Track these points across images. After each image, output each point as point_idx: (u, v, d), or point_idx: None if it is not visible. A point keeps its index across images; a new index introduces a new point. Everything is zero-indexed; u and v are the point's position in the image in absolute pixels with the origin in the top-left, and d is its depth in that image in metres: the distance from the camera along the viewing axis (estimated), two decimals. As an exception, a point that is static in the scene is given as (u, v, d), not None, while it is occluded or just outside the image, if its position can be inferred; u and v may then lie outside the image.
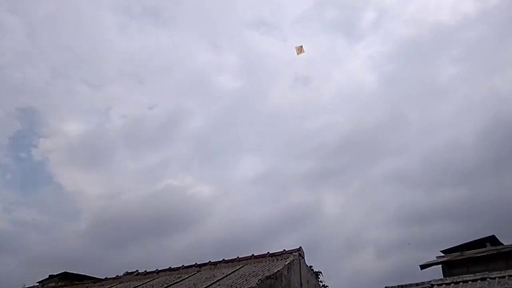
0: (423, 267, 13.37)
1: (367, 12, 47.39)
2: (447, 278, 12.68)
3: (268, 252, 14.88)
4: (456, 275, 12.94)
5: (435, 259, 13.66)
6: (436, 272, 13.29)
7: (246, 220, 36.18)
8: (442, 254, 14.06)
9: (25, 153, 44.92)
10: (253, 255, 15.10)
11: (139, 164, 42.75)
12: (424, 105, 42.04)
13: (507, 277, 11.53)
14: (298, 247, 14.61)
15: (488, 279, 11.83)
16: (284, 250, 14.67)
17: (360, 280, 29.48)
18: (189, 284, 14.53)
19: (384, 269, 32.27)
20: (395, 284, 12.96)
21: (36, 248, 34.06)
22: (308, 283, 14.51)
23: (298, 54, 19.44)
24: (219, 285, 13.47)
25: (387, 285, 13.08)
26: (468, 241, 14.00)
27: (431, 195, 36.32)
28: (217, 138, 45.26)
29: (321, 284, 15.82)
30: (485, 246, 13.50)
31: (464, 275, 12.60)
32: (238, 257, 15.28)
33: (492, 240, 13.71)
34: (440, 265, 13.31)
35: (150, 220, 33.45)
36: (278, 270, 13.27)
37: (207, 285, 13.56)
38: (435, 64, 43.74)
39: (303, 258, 14.49)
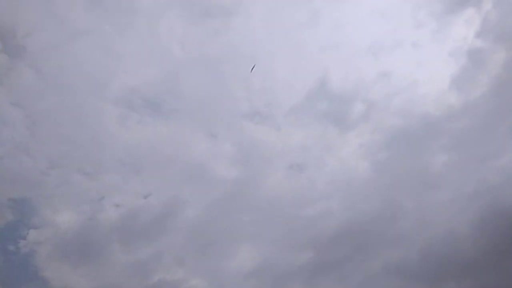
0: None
1: (356, 104, 50.47)
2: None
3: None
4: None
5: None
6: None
7: None
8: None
9: (13, 245, 42.71)
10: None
11: (131, 257, 40.78)
12: (419, 194, 42.44)
13: None
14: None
15: None
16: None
17: None
18: None
19: None
20: None
21: None
22: None
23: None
24: None
25: None
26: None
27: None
28: (213, 228, 44.23)
29: None
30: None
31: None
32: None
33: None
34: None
35: None
36: None
37: None
38: (427, 152, 44.88)
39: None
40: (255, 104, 52.19)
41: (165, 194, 46.76)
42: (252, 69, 31.54)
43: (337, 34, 52.27)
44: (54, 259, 40.68)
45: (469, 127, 44.39)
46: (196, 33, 51.85)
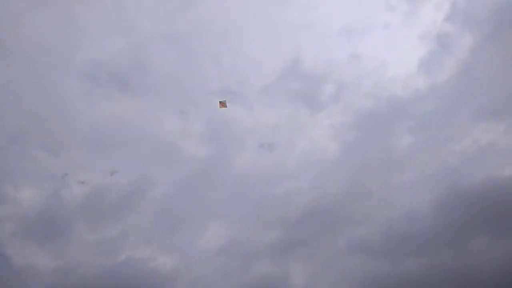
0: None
1: (327, 85, 50.68)
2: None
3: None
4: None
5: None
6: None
7: None
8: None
9: None
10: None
11: (98, 236, 40.00)
12: (383, 176, 43.78)
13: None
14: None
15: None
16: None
17: None
18: None
19: None
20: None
21: None
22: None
23: (220, 107, 20.72)
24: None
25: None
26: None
27: (394, 264, 36.97)
28: (181, 206, 44.00)
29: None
30: None
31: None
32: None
33: None
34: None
35: None
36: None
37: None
38: (393, 134, 46.09)
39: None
40: (226, 82, 51.54)
41: (132, 172, 46.08)
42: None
43: (310, 14, 51.78)
44: (17, 237, 39.60)
45: (434, 110, 45.80)
46: (165, 7, 49.90)
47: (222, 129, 48.96)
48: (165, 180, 45.63)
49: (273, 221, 41.55)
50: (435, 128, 45.27)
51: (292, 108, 50.71)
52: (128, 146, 47.42)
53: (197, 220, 43.15)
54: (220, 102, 20.58)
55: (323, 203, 41.39)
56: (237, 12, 51.47)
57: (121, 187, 42.76)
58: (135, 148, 47.26)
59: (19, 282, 35.78)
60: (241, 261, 39.06)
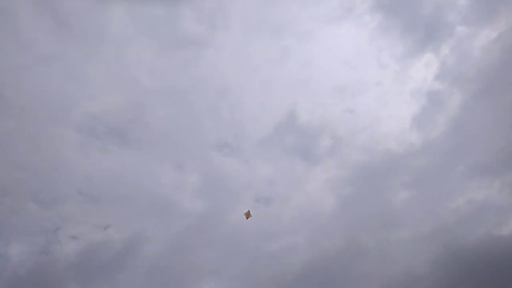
0: None
1: (323, 139, 51.74)
2: None
3: None
4: None
5: None
6: None
7: None
8: None
9: None
10: None
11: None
12: (380, 232, 43.36)
13: None
14: None
15: None
16: None
17: None
18: None
19: None
20: None
21: None
22: None
23: (247, 218, 21.07)
24: None
25: None
26: None
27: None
28: (174, 264, 42.72)
29: None
30: None
31: None
32: None
33: None
34: None
35: None
36: None
37: None
38: (388, 188, 46.47)
39: None
40: (223, 136, 52.09)
41: (125, 227, 45.27)
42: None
43: (305, 72, 53.57)
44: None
45: (428, 165, 46.39)
46: (165, 63, 51.34)
47: (218, 183, 48.92)
48: (158, 236, 44.76)
49: (267, 280, 40.43)
50: (430, 183, 45.56)
51: (288, 162, 51.03)
52: (123, 200, 46.97)
53: (190, 279, 41.93)
54: (245, 213, 21.25)
55: (319, 261, 40.67)
56: (236, 68, 53.14)
57: (113, 243, 41.86)
58: (130, 202, 46.80)
59: None
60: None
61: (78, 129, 47.49)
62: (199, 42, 51.29)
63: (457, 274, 36.88)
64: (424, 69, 50.98)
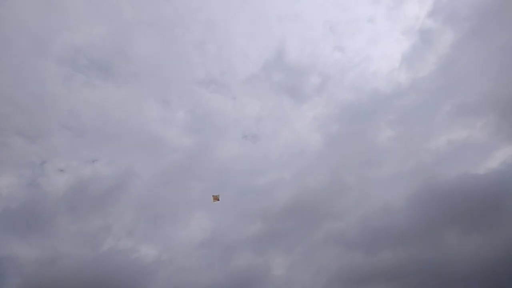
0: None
1: (312, 77, 50.76)
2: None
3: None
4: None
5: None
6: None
7: (191, 285, 34.76)
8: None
9: None
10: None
11: (80, 227, 39.65)
12: (363, 170, 44.60)
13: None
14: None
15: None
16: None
17: None
18: None
19: None
20: None
21: None
22: None
23: (214, 201, 21.02)
24: None
25: None
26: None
27: (369, 255, 38.29)
28: (163, 198, 43.73)
29: None
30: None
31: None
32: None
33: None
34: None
35: (88, 286, 30.79)
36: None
37: None
38: (374, 127, 46.93)
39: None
40: (210, 72, 51.11)
41: (113, 161, 45.69)
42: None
43: (295, 7, 51.54)
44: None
45: (414, 104, 46.72)
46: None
47: (205, 119, 48.86)
48: (148, 171, 45.50)
49: (254, 214, 42.23)
50: (414, 123, 46.25)
51: (276, 99, 50.87)
52: (109, 135, 46.93)
53: (179, 212, 43.42)
54: (213, 196, 21.27)
55: (304, 197, 42.19)
56: (224, 1, 50.75)
57: (103, 178, 42.34)
58: (116, 137, 46.81)
59: (-1, 273, 35.51)
60: (223, 252, 39.79)
61: (59, 62, 45.95)
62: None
63: (433, 210, 38.68)
64: (418, 5, 49.53)
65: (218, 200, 21.08)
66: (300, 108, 50.18)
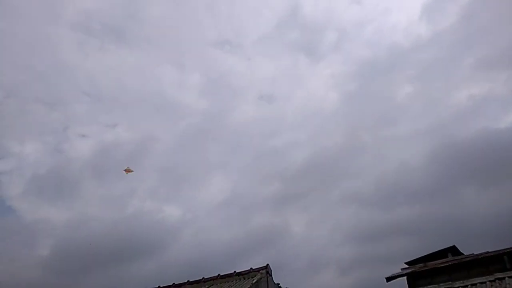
0: (388, 279, 13.47)
1: (328, 33, 49.02)
2: (412, 289, 12.87)
3: (235, 271, 14.44)
4: (421, 286, 13.16)
5: (400, 271, 13.84)
6: (401, 285, 13.48)
7: (213, 243, 36.13)
8: (407, 266, 14.26)
9: None
10: (219, 274, 14.59)
11: (106, 191, 41.25)
12: (380, 128, 44.06)
13: (469, 286, 11.84)
14: (265, 264, 14.25)
15: (452, 288, 12.09)
16: (251, 268, 14.25)
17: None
18: (152, 308, 13.91)
19: (347, 285, 33.75)
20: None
21: None
22: (276, 301, 14.29)
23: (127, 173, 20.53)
24: (184, 307, 12.95)
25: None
26: (430, 252, 14.26)
27: (386, 213, 38.43)
28: (184, 159, 44.60)
29: (289, 301, 15.61)
30: (447, 257, 13.83)
31: (428, 286, 12.83)
32: (203, 277, 14.72)
33: (453, 250, 14.05)
34: (405, 277, 13.50)
35: (116, 247, 32.75)
36: (246, 290, 12.96)
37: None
38: (392, 83, 45.59)
39: (271, 275, 14.15)
40: (223, 32, 50.25)
41: (133, 126, 46.58)
42: None
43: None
44: (28, 192, 40.83)
45: (434, 58, 45.07)
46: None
47: (220, 81, 48.61)
48: (166, 135, 46.37)
49: (271, 174, 42.86)
50: (435, 77, 45.15)
51: (291, 59, 50.05)
52: (127, 99, 47.50)
53: (199, 173, 44.49)
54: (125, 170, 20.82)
55: (320, 157, 42.36)
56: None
57: (124, 143, 43.16)
58: (134, 101, 47.37)
59: (30, 236, 37.71)
60: (242, 212, 41.05)
61: (73, 27, 45.70)
62: None
63: (451, 166, 38.27)
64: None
65: (132, 171, 21.03)
66: (316, 67, 49.42)
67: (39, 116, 44.38)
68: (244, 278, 14.05)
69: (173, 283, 14.75)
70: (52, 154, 43.81)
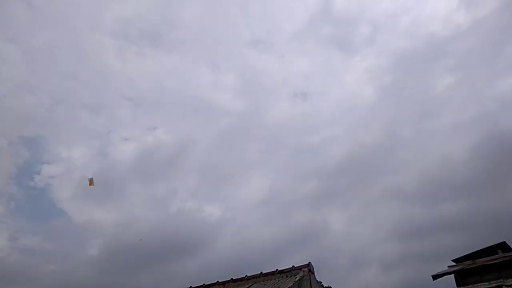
0: (435, 277, 13.17)
1: (362, 26, 48.05)
2: (461, 287, 12.53)
3: (277, 269, 14.56)
4: (469, 284, 12.79)
5: (447, 268, 13.47)
6: (448, 282, 13.14)
7: (254, 241, 36.80)
8: (454, 264, 13.86)
9: (31, 181, 43.90)
10: (261, 272, 14.78)
11: (150, 192, 42.74)
12: (420, 121, 42.67)
13: (521, 284, 11.40)
14: (307, 262, 14.31)
15: (503, 286, 11.68)
16: (293, 266, 14.35)
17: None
18: (198, 305, 14.31)
19: (391, 283, 33.17)
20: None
21: (47, 277, 34.04)
22: (320, 299, 14.30)
23: (90, 185, 20.28)
24: (229, 304, 13.25)
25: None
26: (478, 249, 13.80)
27: (429, 209, 37.55)
28: (222, 159, 45.41)
29: (332, 299, 15.57)
30: (497, 253, 13.33)
31: (477, 284, 12.45)
32: (246, 275, 14.98)
33: (503, 247, 13.53)
34: (452, 275, 13.14)
35: (160, 245, 33.88)
36: (289, 287, 13.05)
37: (217, 305, 13.32)
38: (431, 75, 44.02)
39: (313, 273, 14.20)
40: (256, 32, 50.43)
41: (172, 129, 47.77)
42: None
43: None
44: (77, 195, 42.73)
45: (475, 47, 43.24)
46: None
47: (254, 80, 48.73)
48: (204, 136, 47.15)
49: (309, 172, 42.67)
50: (476, 66, 43.33)
51: (325, 54, 49.45)
52: (165, 102, 48.77)
53: (238, 173, 44.97)
54: (89, 179, 20.75)
55: (359, 153, 41.74)
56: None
57: (165, 145, 44.35)
58: (172, 104, 48.55)
59: (81, 237, 39.65)
60: (281, 210, 41.14)
61: (112, 35, 47.46)
62: None
63: (496, 159, 36.48)
64: None
65: (93, 184, 20.93)
66: (350, 61, 48.57)
67: (85, 122, 46.36)
68: (287, 276, 14.14)
69: (217, 281, 15.08)
70: (98, 157, 45.70)
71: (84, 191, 40.88)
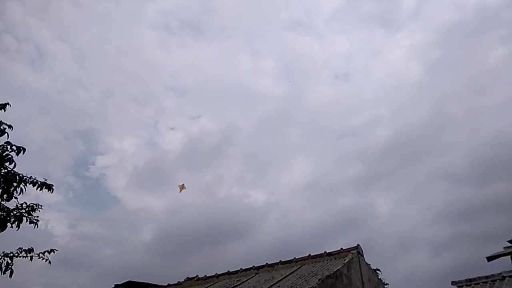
0: (490, 259, 12.79)
1: (404, 0, 46.01)
2: (518, 269, 12.13)
3: (325, 252, 14.75)
4: (527, 266, 12.34)
5: (503, 250, 13.04)
6: (504, 264, 12.73)
7: (299, 225, 36.93)
8: (510, 245, 13.37)
9: (86, 172, 46.65)
10: (310, 255, 15.02)
11: (197, 180, 43.75)
12: (471, 98, 40.89)
13: None
14: (356, 245, 14.39)
15: None
16: (342, 248, 14.48)
17: (418, 278, 29.51)
18: (249, 287, 14.82)
19: (441, 266, 32.18)
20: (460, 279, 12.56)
21: (105, 262, 36.39)
22: (369, 281, 14.33)
23: (180, 191, 19.75)
24: (278, 286, 13.58)
25: (450, 280, 12.70)
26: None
27: (481, 190, 36.01)
28: (265, 145, 45.54)
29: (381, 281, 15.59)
30: (558, 233, 12.71)
31: (537, 266, 11.99)
32: (295, 258, 15.28)
33: None
34: (509, 256, 12.71)
35: (209, 230, 34.56)
36: (338, 269, 13.13)
37: (267, 286, 13.72)
38: (482, 47, 41.49)
39: (362, 256, 14.27)
40: (294, 13, 49.81)
41: (215, 116, 48.63)
42: None
43: None
44: (128, 183, 44.99)
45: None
46: None
47: (294, 64, 48.42)
48: (247, 122, 47.66)
49: (353, 155, 42.05)
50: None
51: (366, 32, 48.13)
52: (208, 91, 49.55)
53: (281, 158, 45.26)
54: (179, 186, 20.42)
55: (404, 134, 40.53)
56: None
57: (209, 133, 45.22)
58: (215, 92, 49.18)
59: (134, 223, 41.84)
60: (325, 194, 41.07)
61: (154, 27, 48.83)
62: None
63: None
64: None
65: (185, 188, 20.62)
66: (394, 38, 46.98)
67: (133, 113, 48.44)
68: (335, 258, 14.28)
69: (266, 263, 15.51)
70: (148, 147, 47.69)
71: (137, 179, 43.28)
